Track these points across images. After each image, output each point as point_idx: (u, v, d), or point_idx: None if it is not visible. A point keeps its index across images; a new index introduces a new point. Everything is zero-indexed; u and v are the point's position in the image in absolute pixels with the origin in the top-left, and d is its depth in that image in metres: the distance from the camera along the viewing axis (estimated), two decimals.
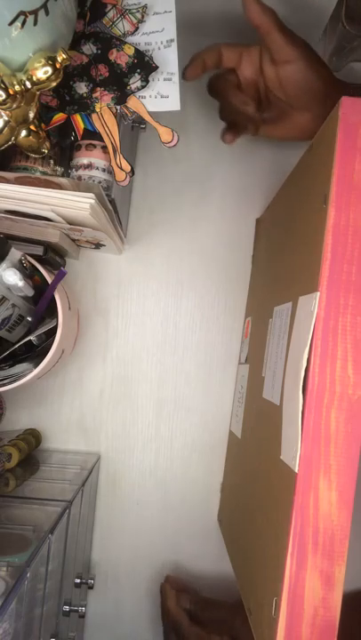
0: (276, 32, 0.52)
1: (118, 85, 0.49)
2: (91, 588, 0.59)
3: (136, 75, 0.48)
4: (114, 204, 0.53)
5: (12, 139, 0.45)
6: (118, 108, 0.49)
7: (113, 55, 0.48)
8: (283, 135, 0.59)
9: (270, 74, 0.55)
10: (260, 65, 0.55)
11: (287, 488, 0.38)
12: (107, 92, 0.49)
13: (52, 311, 0.55)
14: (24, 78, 0.41)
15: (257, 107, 0.58)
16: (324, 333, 0.37)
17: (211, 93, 0.59)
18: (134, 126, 0.57)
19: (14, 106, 0.42)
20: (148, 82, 0.48)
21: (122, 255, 0.68)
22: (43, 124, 0.47)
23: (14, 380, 0.53)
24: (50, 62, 0.40)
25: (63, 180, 0.48)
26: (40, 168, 0.51)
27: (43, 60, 0.40)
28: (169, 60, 0.49)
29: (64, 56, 0.41)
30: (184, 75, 0.56)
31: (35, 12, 0.38)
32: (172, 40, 0.49)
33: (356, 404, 0.37)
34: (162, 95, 0.49)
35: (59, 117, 0.49)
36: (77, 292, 0.68)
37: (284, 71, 0.53)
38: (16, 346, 0.56)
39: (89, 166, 0.52)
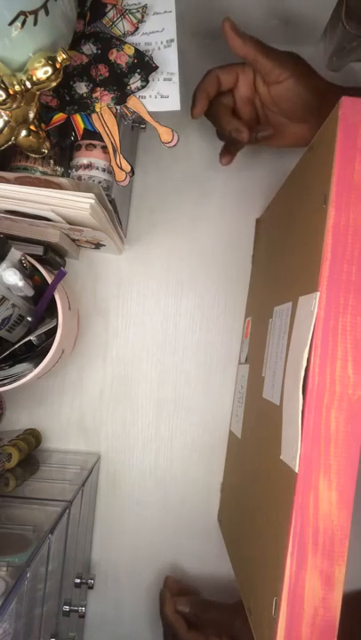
0: (262, 58, 0.54)
1: (118, 85, 0.49)
2: (91, 588, 0.59)
3: (136, 75, 0.48)
4: (114, 204, 0.53)
5: (12, 139, 0.45)
6: (118, 108, 0.49)
7: (113, 55, 0.48)
8: (282, 144, 0.61)
9: (264, 92, 0.57)
10: (255, 83, 0.57)
11: (287, 488, 0.38)
12: (107, 92, 0.49)
13: (52, 311, 0.55)
14: (24, 78, 0.41)
15: (252, 128, 0.59)
16: (324, 333, 0.37)
17: (207, 117, 0.61)
18: (134, 126, 0.57)
19: (14, 106, 0.42)
20: (148, 82, 0.48)
21: (122, 255, 0.68)
22: (43, 124, 0.47)
23: (14, 380, 0.53)
24: (50, 62, 0.40)
25: (63, 180, 0.48)
26: (40, 168, 0.51)
27: (43, 60, 0.40)
28: (169, 60, 0.49)
29: (64, 56, 0.41)
30: (192, 114, 0.58)
31: (35, 12, 0.38)
32: (172, 40, 0.49)
33: (357, 403, 0.37)
34: (162, 95, 0.49)
35: (59, 117, 0.49)
36: (77, 291, 0.68)
37: (276, 90, 0.55)
38: (16, 346, 0.56)
39: (89, 166, 0.52)
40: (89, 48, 0.48)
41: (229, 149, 0.64)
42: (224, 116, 0.58)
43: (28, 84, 0.41)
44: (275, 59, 0.54)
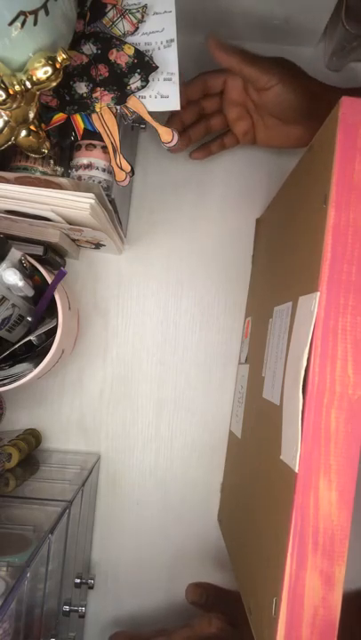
0: (248, 67, 0.55)
1: (118, 85, 0.49)
2: (91, 588, 0.59)
3: (136, 75, 0.48)
4: (114, 204, 0.53)
5: (12, 139, 0.45)
6: (118, 108, 0.49)
7: (113, 55, 0.48)
8: (278, 145, 0.62)
9: (255, 97, 0.58)
10: (245, 89, 0.59)
11: (287, 488, 0.38)
12: (107, 92, 0.49)
13: (52, 311, 0.55)
14: (24, 78, 0.41)
15: (230, 130, 0.63)
16: (324, 333, 0.37)
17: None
18: (134, 126, 0.57)
19: (14, 106, 0.42)
20: (148, 82, 0.48)
21: (122, 255, 0.68)
22: (43, 124, 0.47)
23: (14, 380, 0.53)
24: (50, 62, 0.40)
25: (63, 180, 0.48)
26: (40, 168, 0.51)
27: (43, 60, 0.40)
28: (169, 60, 0.49)
29: (64, 56, 0.41)
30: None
31: (35, 12, 0.38)
32: (172, 40, 0.49)
33: (357, 403, 0.37)
34: (162, 95, 0.49)
35: (59, 117, 0.49)
36: (77, 291, 0.68)
37: (265, 96, 0.57)
38: (16, 346, 0.56)
39: (89, 166, 0.52)
40: (89, 48, 0.48)
41: (210, 147, 0.65)
42: (184, 114, 0.60)
43: (28, 84, 0.41)
44: (260, 67, 0.55)
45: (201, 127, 0.62)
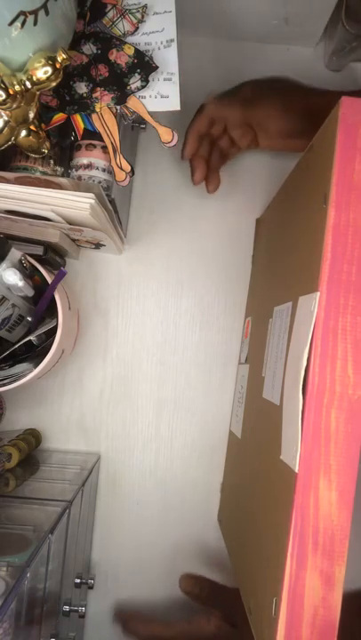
0: (231, 128, 0.59)
1: (118, 85, 0.49)
2: (91, 588, 0.59)
3: (136, 75, 0.48)
4: (114, 204, 0.53)
5: (12, 139, 0.45)
6: (118, 108, 0.49)
7: (113, 55, 0.48)
8: (282, 149, 0.63)
9: (254, 119, 0.61)
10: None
11: (287, 488, 0.38)
12: (107, 92, 0.49)
13: (52, 311, 0.55)
14: (24, 78, 0.41)
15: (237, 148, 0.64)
16: (324, 333, 0.37)
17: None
18: (134, 126, 0.57)
19: (14, 106, 0.42)
20: (148, 82, 0.48)
21: (122, 255, 0.68)
22: (43, 124, 0.47)
23: (14, 380, 0.53)
24: (50, 62, 0.40)
25: (63, 180, 0.48)
26: (40, 168, 0.51)
27: (43, 60, 0.40)
28: (169, 60, 0.49)
29: (64, 56, 0.41)
30: (183, 155, 0.62)
31: (35, 12, 0.38)
32: (172, 40, 0.49)
33: (357, 403, 0.37)
34: (162, 95, 0.49)
35: (59, 117, 0.49)
36: (77, 291, 0.68)
37: (260, 131, 0.60)
38: (16, 346, 0.56)
39: (89, 166, 0.52)
40: (89, 48, 0.48)
41: (216, 173, 0.65)
42: (201, 147, 0.62)
43: (28, 84, 0.41)
44: (242, 121, 0.59)
45: (216, 154, 0.63)
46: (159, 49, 0.49)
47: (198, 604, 0.61)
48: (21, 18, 0.37)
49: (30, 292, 0.53)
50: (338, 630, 0.36)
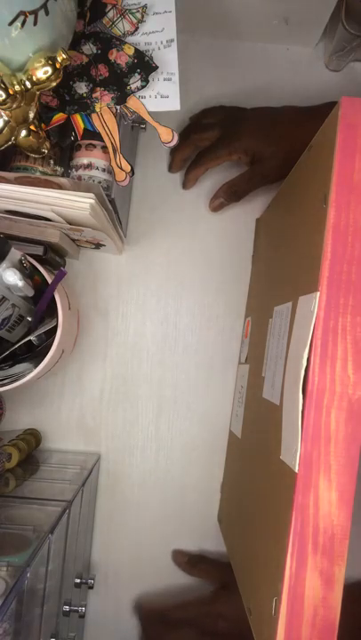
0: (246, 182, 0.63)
1: (118, 85, 0.49)
2: (91, 587, 0.59)
3: (136, 75, 0.48)
4: (114, 204, 0.53)
5: (12, 139, 0.45)
6: (118, 107, 0.49)
7: (113, 55, 0.48)
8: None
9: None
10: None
11: (287, 488, 0.38)
12: (107, 92, 0.49)
13: (52, 311, 0.55)
14: (24, 78, 0.41)
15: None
16: (324, 333, 0.37)
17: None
18: (134, 126, 0.57)
19: (14, 106, 0.42)
20: (148, 82, 0.48)
21: (122, 255, 0.68)
22: (43, 124, 0.47)
23: (14, 380, 0.53)
24: (50, 62, 0.40)
25: (63, 180, 0.48)
26: (40, 168, 0.51)
27: (43, 60, 0.40)
28: (169, 60, 0.49)
29: (64, 56, 0.41)
30: (170, 170, 0.67)
31: (35, 12, 0.38)
32: (172, 40, 0.49)
33: (357, 403, 0.37)
34: (162, 95, 0.49)
35: (59, 117, 0.49)
36: (77, 292, 0.68)
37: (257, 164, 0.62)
38: (16, 346, 0.56)
39: (89, 166, 0.52)
40: (89, 48, 0.48)
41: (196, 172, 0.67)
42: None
43: (28, 84, 0.41)
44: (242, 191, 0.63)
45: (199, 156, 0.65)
46: (159, 49, 0.49)
47: (187, 567, 0.64)
48: (21, 18, 0.37)
49: (30, 292, 0.53)
50: (347, 620, 0.36)
